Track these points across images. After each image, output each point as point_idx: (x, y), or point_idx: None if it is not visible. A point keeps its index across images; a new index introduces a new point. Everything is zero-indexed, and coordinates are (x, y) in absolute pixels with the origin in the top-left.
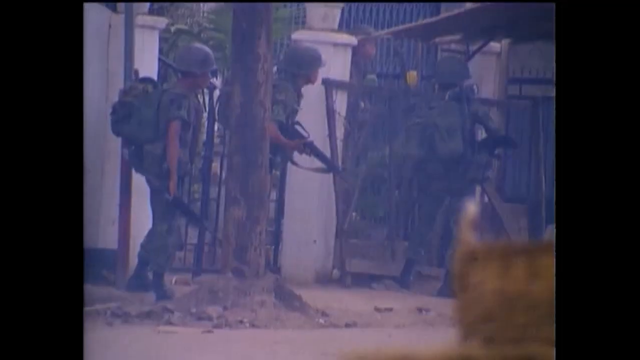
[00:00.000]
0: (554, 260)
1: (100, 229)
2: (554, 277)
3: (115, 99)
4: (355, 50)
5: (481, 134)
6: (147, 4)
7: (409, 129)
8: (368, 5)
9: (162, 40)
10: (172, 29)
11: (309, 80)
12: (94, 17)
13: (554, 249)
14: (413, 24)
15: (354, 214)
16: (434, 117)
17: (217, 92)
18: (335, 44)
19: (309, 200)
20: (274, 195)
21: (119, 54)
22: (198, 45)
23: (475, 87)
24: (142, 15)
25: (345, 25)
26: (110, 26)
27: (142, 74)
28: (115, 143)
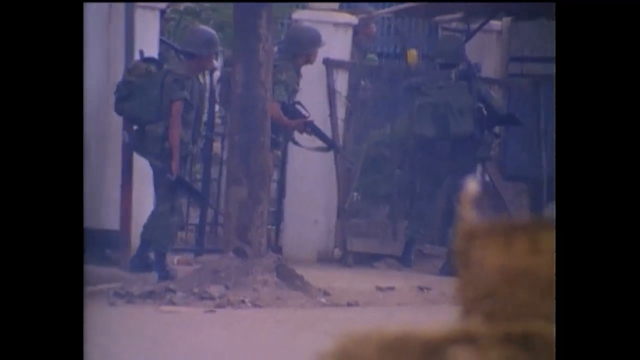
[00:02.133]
0: (554, 237)
1: (103, 210)
2: (554, 254)
3: (117, 79)
4: (356, 30)
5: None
6: None
7: (420, 108)
8: None
9: (166, 20)
10: (181, 7)
11: (308, 60)
12: None
13: (554, 227)
14: (414, 3)
15: (355, 193)
16: (445, 97)
17: (217, 73)
18: (336, 24)
19: (311, 180)
20: (275, 175)
21: (120, 34)
22: (203, 27)
23: (479, 65)
24: None
25: (346, 5)
26: (110, 6)
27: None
28: (117, 124)
